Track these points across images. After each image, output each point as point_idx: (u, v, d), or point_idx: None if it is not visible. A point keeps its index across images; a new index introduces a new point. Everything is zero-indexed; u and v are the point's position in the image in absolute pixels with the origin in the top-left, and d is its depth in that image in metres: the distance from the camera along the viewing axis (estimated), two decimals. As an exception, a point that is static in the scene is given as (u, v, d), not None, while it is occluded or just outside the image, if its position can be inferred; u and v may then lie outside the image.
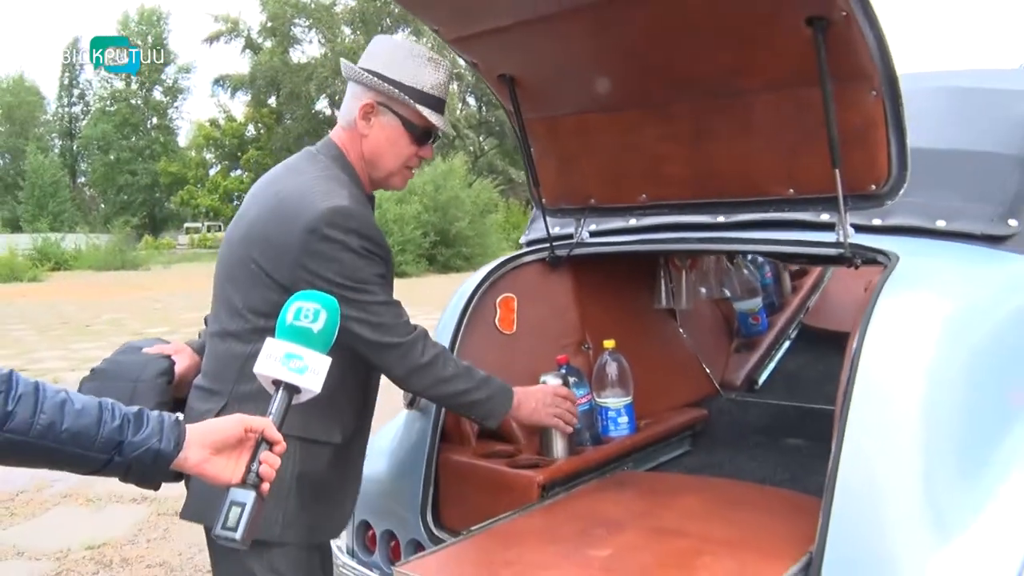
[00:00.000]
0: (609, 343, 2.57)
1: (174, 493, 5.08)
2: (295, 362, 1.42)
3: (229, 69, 56.06)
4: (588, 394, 2.52)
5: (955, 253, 2.22)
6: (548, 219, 2.68)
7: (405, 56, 1.97)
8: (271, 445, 1.39)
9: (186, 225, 56.66)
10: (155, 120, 59.20)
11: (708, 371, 3.27)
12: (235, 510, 1.33)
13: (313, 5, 47.56)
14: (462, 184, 30.94)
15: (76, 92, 62.06)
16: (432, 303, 2.60)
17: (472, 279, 2.58)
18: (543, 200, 2.66)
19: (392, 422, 2.59)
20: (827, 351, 2.96)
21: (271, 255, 1.85)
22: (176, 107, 61.04)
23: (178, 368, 2.00)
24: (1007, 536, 1.64)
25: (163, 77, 58.72)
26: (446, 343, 2.38)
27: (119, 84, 58.17)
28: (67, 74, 61.42)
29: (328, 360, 1.45)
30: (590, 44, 2.18)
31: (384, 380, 2.06)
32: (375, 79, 1.94)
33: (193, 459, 1.35)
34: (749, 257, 3.36)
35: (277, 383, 1.43)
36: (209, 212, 52.74)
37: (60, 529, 4.70)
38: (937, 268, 2.08)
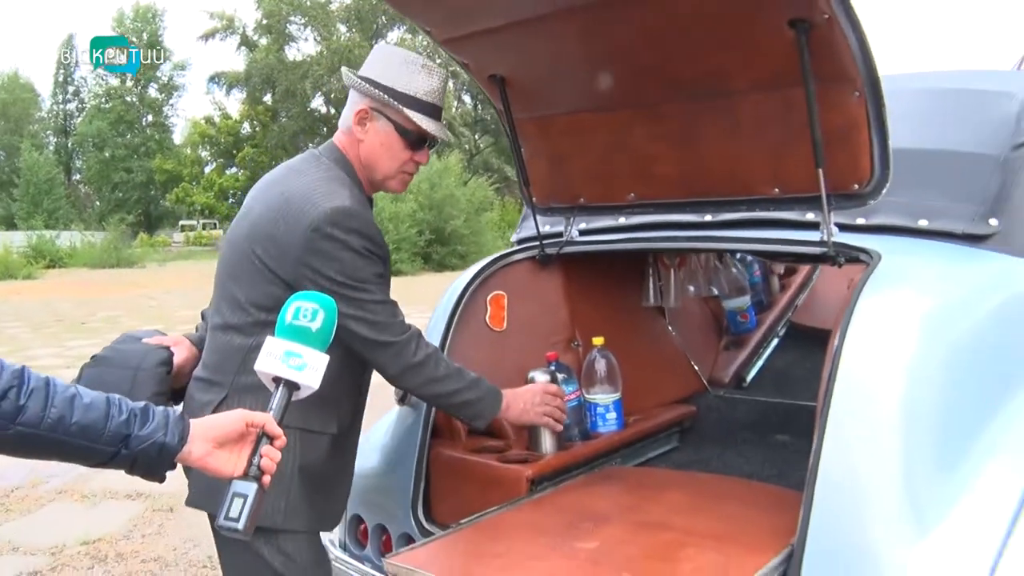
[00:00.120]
0: (598, 340, 2.61)
1: (169, 489, 5.13)
2: (294, 360, 1.48)
3: (224, 66, 56.04)
4: (577, 390, 2.56)
5: (936, 252, 2.25)
6: (538, 218, 2.72)
7: (399, 63, 2.03)
8: (272, 439, 1.44)
9: (181, 223, 56.56)
10: (150, 117, 59.06)
11: (696, 368, 3.31)
12: (237, 501, 1.38)
13: (308, 3, 47.48)
14: (457, 182, 30.98)
15: (71, 89, 61.95)
16: (427, 301, 2.63)
17: (463, 277, 2.61)
18: (533, 199, 2.69)
19: (384, 418, 2.62)
20: (815, 349, 2.99)
21: (275, 252, 1.91)
22: (171, 104, 60.93)
23: (177, 359, 2.06)
24: (983, 527, 1.68)
25: (158, 74, 58.57)
26: (437, 340, 2.42)
27: (114, 81, 58.03)
28: (62, 71, 61.29)
29: (326, 358, 1.51)
30: (579, 45, 2.21)
31: (377, 377, 2.10)
32: (369, 86, 2.01)
33: (197, 453, 1.40)
34: (738, 256, 3.40)
35: (277, 380, 1.49)
36: (204, 210, 52.65)
37: (55, 524, 4.72)
38: (918, 266, 2.11)
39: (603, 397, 2.60)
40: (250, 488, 1.39)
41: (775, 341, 3.52)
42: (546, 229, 2.77)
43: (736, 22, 1.94)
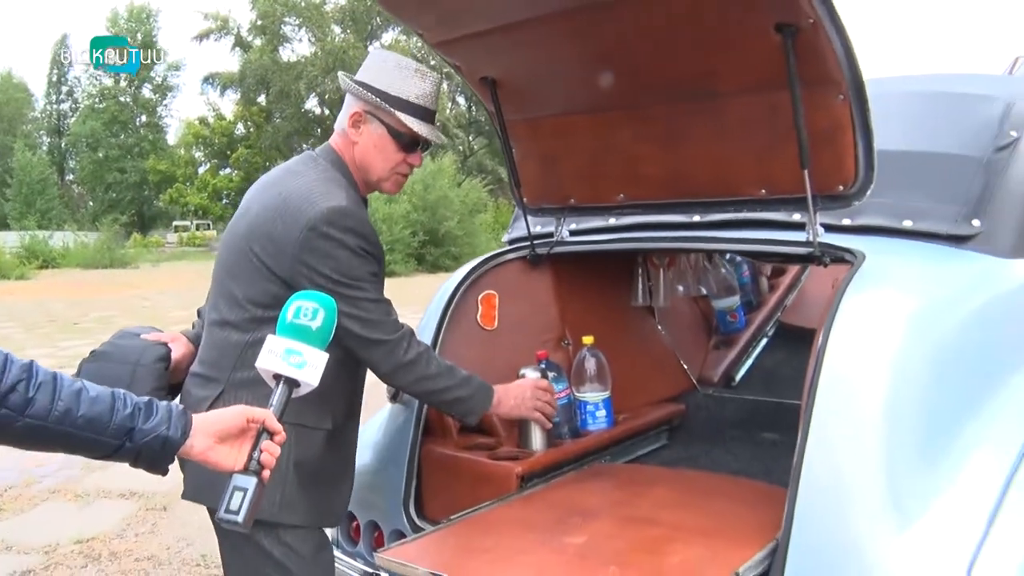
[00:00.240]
0: (588, 339, 2.64)
1: (162, 488, 5.15)
2: (295, 357, 1.53)
3: (219, 67, 55.98)
4: (567, 388, 2.59)
5: (920, 252, 2.29)
6: (529, 218, 2.75)
7: (392, 68, 2.08)
8: (271, 435, 1.48)
9: (175, 223, 56.44)
10: (144, 118, 58.90)
11: (686, 367, 3.34)
12: (238, 495, 1.42)
13: (303, 3, 47.41)
14: (451, 184, 30.98)
15: (64, 89, 61.77)
16: (420, 302, 2.65)
17: (454, 276, 2.65)
18: (524, 200, 2.73)
19: (376, 416, 2.65)
20: (803, 348, 3.01)
21: (272, 250, 1.95)
22: (165, 105, 60.87)
23: (174, 355, 2.10)
24: (964, 521, 1.71)
25: (152, 75, 58.45)
26: (429, 339, 2.45)
27: (108, 81, 57.90)
28: (55, 71, 61.12)
29: (326, 356, 1.57)
30: (569, 48, 2.24)
31: (371, 376, 2.14)
32: (363, 89, 2.06)
33: (199, 447, 1.44)
34: (727, 256, 3.43)
35: (278, 377, 1.54)
36: (198, 210, 52.53)
37: (48, 524, 4.74)
38: (902, 266, 2.15)
39: (593, 395, 2.63)
40: (250, 482, 1.43)
41: (764, 341, 3.56)
42: (537, 230, 2.81)
43: (723, 26, 1.97)
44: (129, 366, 1.98)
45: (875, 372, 1.79)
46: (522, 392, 2.32)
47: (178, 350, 2.13)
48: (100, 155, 55.67)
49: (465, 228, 30.52)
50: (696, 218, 2.62)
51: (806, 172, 2.03)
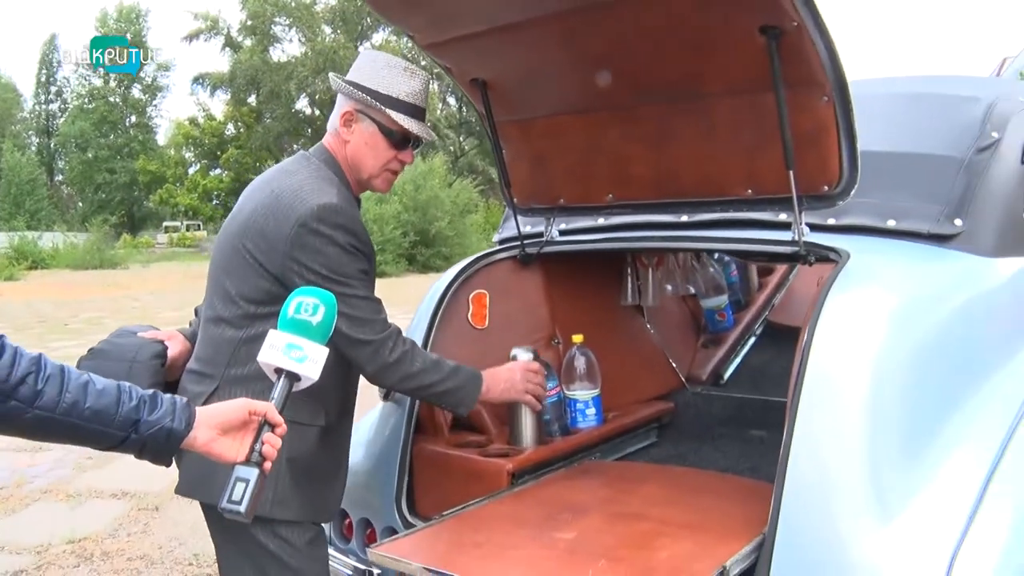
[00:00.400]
0: (578, 338, 2.67)
1: (154, 489, 5.15)
2: (296, 352, 1.57)
3: (209, 67, 55.77)
4: (557, 386, 2.61)
5: (903, 251, 2.32)
6: (519, 218, 2.77)
7: (382, 67, 2.10)
8: (273, 427, 1.52)
9: (165, 224, 56.27)
10: (134, 118, 58.69)
11: (675, 365, 3.37)
12: (240, 486, 1.46)
13: (293, 4, 47.35)
14: (442, 184, 30.99)
15: (53, 89, 61.52)
16: (411, 302, 2.67)
17: (445, 276, 2.67)
18: (514, 200, 2.75)
19: (368, 414, 2.67)
20: (791, 347, 3.05)
21: (264, 247, 1.98)
22: (155, 105, 60.58)
23: (171, 352, 2.12)
24: (946, 516, 1.74)
25: (142, 75, 58.28)
26: (420, 337, 2.47)
27: (97, 81, 57.72)
28: (44, 71, 60.88)
29: (326, 350, 1.61)
30: (559, 50, 2.26)
31: (364, 375, 2.16)
32: (353, 88, 2.08)
33: (202, 438, 1.47)
34: (715, 256, 3.46)
35: (279, 371, 1.58)
36: (188, 211, 52.38)
37: (40, 524, 4.74)
38: (885, 265, 2.18)
39: (583, 393, 2.65)
40: (252, 473, 1.47)
41: (752, 339, 3.59)
42: (527, 229, 2.83)
43: (709, 29, 2.00)
44: (125, 363, 2.00)
45: (859, 369, 1.82)
46: (511, 376, 2.34)
47: (175, 347, 2.15)
48: (89, 156, 55.42)
49: (456, 228, 30.53)
50: (684, 218, 2.65)
51: (791, 173, 2.06)
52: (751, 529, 1.87)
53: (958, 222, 2.34)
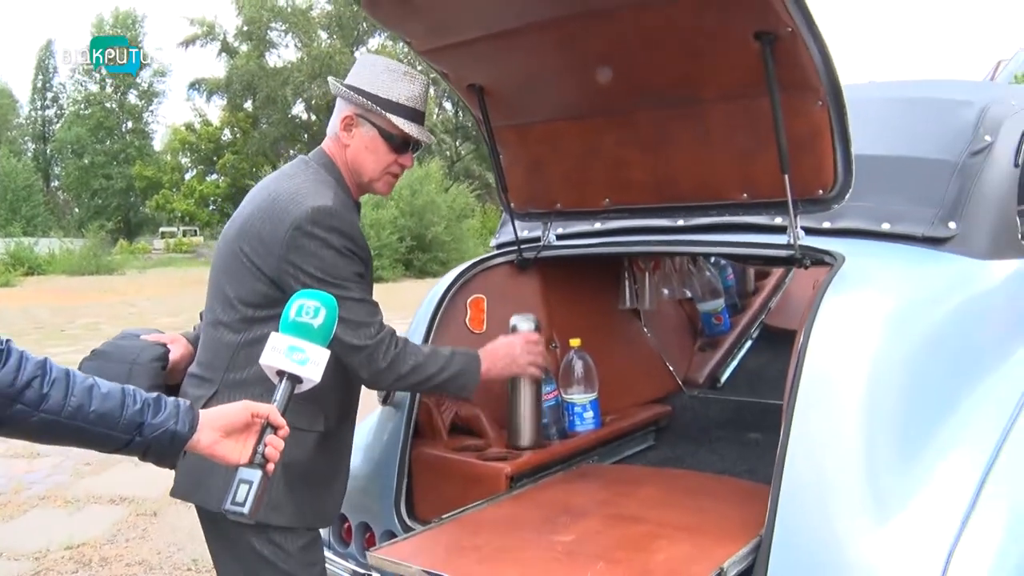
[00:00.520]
0: (575, 342, 2.68)
1: (152, 494, 5.14)
2: (298, 354, 1.59)
3: (205, 73, 55.60)
4: (555, 390, 2.63)
5: (898, 254, 2.34)
6: (517, 223, 2.79)
7: (381, 71, 2.11)
8: (275, 429, 1.53)
9: (161, 229, 56.21)
10: (130, 124, 58.64)
11: (672, 369, 3.39)
12: (243, 487, 1.47)
13: (289, 9, 47.39)
14: (438, 189, 30.98)
15: (49, 95, 61.44)
16: (409, 308, 2.67)
17: (443, 280, 2.68)
18: (512, 205, 2.76)
19: (367, 418, 2.68)
20: (787, 350, 3.08)
21: (261, 250, 1.98)
22: (151, 111, 60.48)
23: (172, 356, 2.13)
24: (941, 516, 1.76)
25: (138, 80, 58.26)
26: (419, 342, 2.48)
27: (93, 87, 57.73)
28: (40, 77, 60.85)
29: (327, 353, 1.62)
30: (554, 56, 2.28)
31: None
32: (352, 93, 2.09)
33: (205, 441, 1.48)
34: (712, 259, 3.48)
35: (281, 373, 1.59)
36: (184, 216, 52.30)
37: (38, 530, 4.73)
38: (880, 268, 2.20)
39: (580, 397, 2.67)
40: (255, 475, 1.48)
41: (748, 343, 3.61)
42: (524, 234, 2.85)
43: (704, 34, 2.02)
44: (126, 365, 2.00)
45: (854, 371, 1.83)
46: (511, 350, 2.31)
47: (177, 351, 2.15)
48: (86, 161, 55.40)
49: (452, 233, 30.52)
50: (680, 222, 2.67)
51: (786, 177, 2.07)
52: (748, 531, 1.88)
53: (952, 225, 2.36)
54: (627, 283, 3.23)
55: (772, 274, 3.82)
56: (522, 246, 2.80)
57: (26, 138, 62.18)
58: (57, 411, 1.34)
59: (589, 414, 2.68)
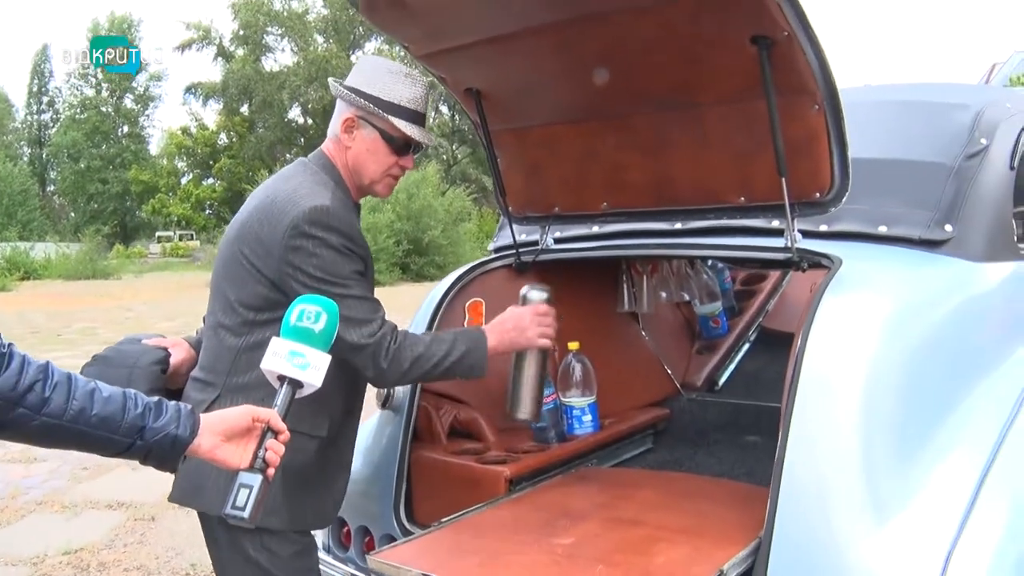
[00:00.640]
0: (573, 345, 2.69)
1: (150, 499, 5.14)
2: (298, 359, 1.60)
3: (201, 77, 55.66)
4: (553, 393, 2.63)
5: (895, 257, 2.35)
6: (514, 227, 2.79)
7: (383, 73, 2.10)
8: (276, 434, 1.54)
9: (157, 234, 56.00)
10: (126, 128, 58.59)
11: (670, 372, 3.40)
12: (243, 492, 1.48)
13: (285, 14, 47.43)
14: (435, 193, 30.96)
15: (45, 99, 61.34)
16: (406, 311, 2.67)
17: (442, 284, 2.69)
18: (510, 208, 2.77)
19: (367, 422, 2.68)
20: (785, 352, 3.09)
21: (260, 252, 1.98)
22: (147, 115, 60.37)
23: (173, 360, 2.13)
24: (940, 517, 1.77)
25: (134, 85, 58.26)
26: None
27: (89, 92, 57.69)
28: (36, 81, 60.80)
29: (328, 358, 1.63)
30: (554, 60, 2.28)
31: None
32: (354, 95, 2.08)
33: (206, 445, 1.49)
34: (709, 262, 3.49)
35: (282, 378, 1.60)
36: (181, 221, 52.24)
37: (36, 535, 4.72)
38: (877, 271, 2.21)
39: (579, 400, 2.68)
40: (255, 479, 1.49)
41: (746, 345, 3.61)
42: (522, 238, 2.85)
43: (701, 39, 2.02)
44: (126, 369, 2.00)
45: (852, 374, 1.84)
46: (519, 322, 2.25)
47: (178, 355, 2.15)
48: (82, 166, 55.34)
49: (449, 237, 30.51)
50: (678, 225, 2.68)
51: (784, 180, 2.08)
52: (747, 533, 1.88)
53: (948, 228, 2.37)
54: (625, 286, 3.23)
55: (769, 277, 3.83)
56: (520, 250, 2.80)
57: (22, 142, 62.08)
58: (59, 415, 1.34)
59: (587, 417, 2.69)
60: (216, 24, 53.49)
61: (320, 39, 48.24)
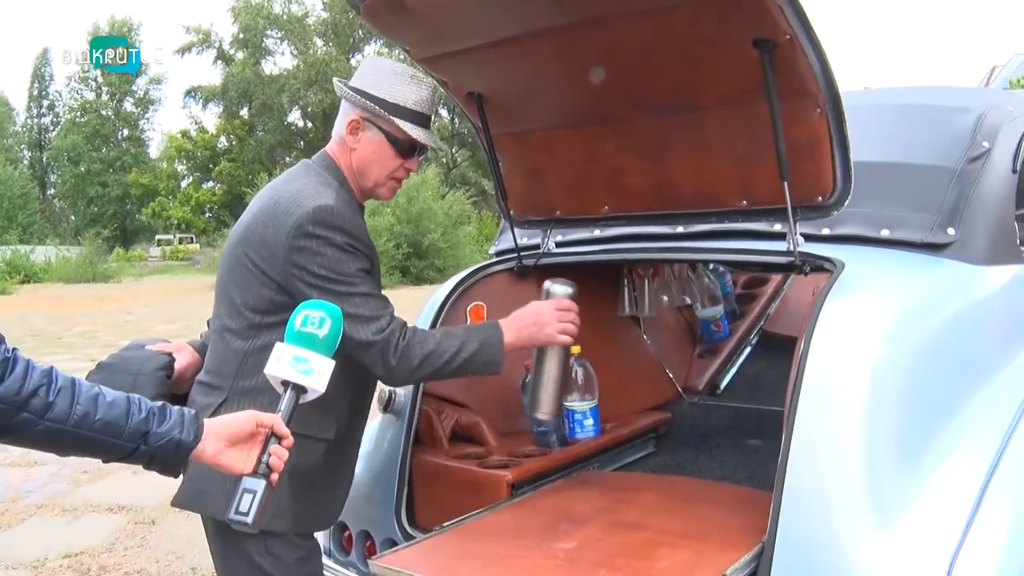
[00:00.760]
0: (575, 349, 2.66)
1: (151, 503, 5.13)
2: (302, 364, 1.60)
3: (201, 80, 55.64)
4: (555, 397, 2.62)
5: (897, 260, 2.34)
6: (516, 230, 2.79)
7: (389, 75, 2.09)
8: (280, 439, 1.53)
9: (157, 237, 56.03)
10: (126, 131, 58.64)
11: (671, 376, 3.40)
12: (247, 496, 1.48)
13: (285, 17, 47.42)
14: (435, 196, 30.93)
15: (45, 103, 61.45)
16: (406, 314, 2.66)
17: (443, 288, 2.69)
18: (511, 212, 2.76)
19: (368, 426, 2.67)
20: (786, 356, 3.08)
21: (265, 253, 1.97)
22: (147, 118, 60.49)
23: (178, 364, 2.12)
24: (943, 521, 1.76)
25: (134, 88, 58.31)
26: None
27: (89, 95, 57.76)
28: (36, 85, 60.88)
29: (332, 363, 1.63)
30: (555, 64, 2.28)
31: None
32: (359, 97, 2.07)
33: (210, 450, 1.48)
34: (711, 266, 3.48)
35: (286, 383, 1.60)
36: (181, 224, 52.22)
37: (36, 538, 4.71)
38: (880, 274, 2.21)
39: (581, 404, 2.67)
40: (259, 484, 1.49)
41: (748, 349, 3.61)
42: (524, 241, 2.84)
43: (702, 42, 2.02)
44: (130, 376, 1.99)
45: (855, 377, 1.84)
46: (539, 316, 2.16)
47: (183, 359, 2.14)
48: (82, 169, 55.38)
49: (449, 240, 30.48)
50: (680, 229, 2.67)
51: (786, 183, 2.08)
52: (750, 538, 1.88)
53: (951, 231, 2.36)
54: (626, 290, 3.23)
55: (770, 281, 3.82)
56: (522, 253, 2.80)
57: (22, 146, 62.17)
58: (63, 420, 1.34)
59: (589, 421, 2.68)
60: (216, 27, 53.25)
61: (320, 42, 48.23)
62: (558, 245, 2.85)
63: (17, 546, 4.62)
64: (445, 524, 2.16)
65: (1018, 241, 2.58)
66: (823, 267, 2.11)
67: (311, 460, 2.01)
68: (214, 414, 1.89)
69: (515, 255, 2.81)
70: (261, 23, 46.41)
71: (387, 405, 2.52)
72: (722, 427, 3.23)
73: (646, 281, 3.26)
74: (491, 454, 2.53)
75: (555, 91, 2.41)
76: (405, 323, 2.04)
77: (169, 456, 1.45)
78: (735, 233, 2.52)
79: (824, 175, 2.09)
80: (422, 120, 2.10)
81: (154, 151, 59.60)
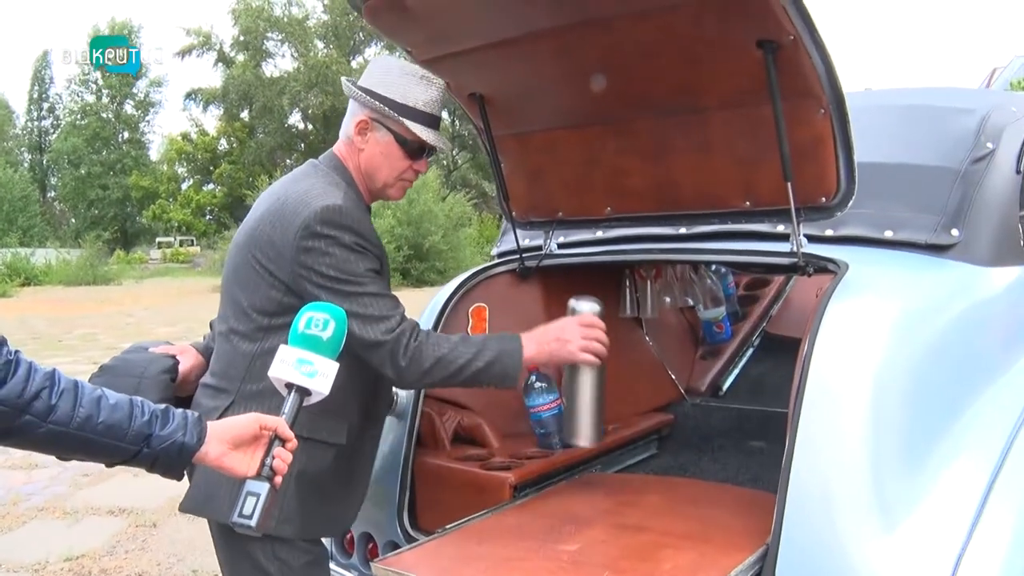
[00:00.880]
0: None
1: (151, 505, 5.13)
2: (306, 367, 1.59)
3: (201, 83, 55.54)
4: (558, 399, 2.61)
5: (901, 261, 2.34)
6: (518, 232, 2.78)
7: (398, 75, 2.07)
8: (283, 442, 1.53)
9: (158, 240, 56.15)
10: (126, 134, 58.76)
11: (674, 377, 3.39)
12: (251, 500, 1.47)
13: (286, 19, 47.42)
14: (435, 198, 30.94)
15: (46, 106, 61.59)
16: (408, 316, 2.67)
17: (445, 289, 2.68)
18: (513, 213, 2.76)
19: (369, 428, 2.67)
20: (789, 357, 3.08)
21: (273, 255, 1.95)
22: (148, 121, 60.64)
23: (182, 367, 2.10)
24: (948, 523, 1.76)
25: (134, 91, 58.36)
26: None
27: (89, 98, 57.83)
28: (36, 87, 60.97)
29: (336, 365, 1.61)
30: (557, 65, 2.27)
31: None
32: (368, 97, 2.05)
33: (213, 453, 1.48)
34: (713, 267, 3.48)
35: (290, 386, 1.59)
36: (181, 226, 52.22)
37: (37, 541, 4.71)
38: (884, 275, 2.20)
39: (583, 406, 2.66)
40: (262, 487, 1.48)
41: (750, 350, 3.61)
42: (525, 243, 2.84)
43: (705, 43, 2.01)
44: (134, 379, 1.98)
45: (859, 379, 1.83)
46: (562, 333, 2.11)
47: (186, 362, 2.12)
48: (82, 172, 55.46)
49: (450, 242, 30.48)
50: (682, 230, 2.67)
51: (789, 184, 2.07)
52: (754, 540, 1.87)
53: (955, 232, 2.36)
54: (629, 291, 3.22)
55: (773, 282, 3.82)
56: (524, 255, 2.80)
57: (22, 149, 62.26)
58: (65, 422, 1.34)
59: (592, 422, 2.67)
60: (216, 30, 53.23)
61: (320, 45, 48.24)
62: (560, 246, 2.84)
63: (18, 549, 4.62)
64: (447, 526, 2.16)
65: (1022, 242, 2.57)
66: (827, 268, 2.11)
67: (321, 465, 1.99)
68: (221, 417, 1.86)
69: (517, 256, 2.80)
70: (262, 25, 46.40)
71: (389, 406, 2.51)
72: (725, 429, 3.22)
73: (648, 282, 3.25)
74: (493, 456, 2.53)
75: (557, 92, 2.40)
76: (417, 324, 2.01)
77: (172, 459, 1.45)
78: (738, 234, 2.51)
79: (828, 176, 2.09)
80: (431, 121, 2.09)
81: (154, 154, 59.80)
